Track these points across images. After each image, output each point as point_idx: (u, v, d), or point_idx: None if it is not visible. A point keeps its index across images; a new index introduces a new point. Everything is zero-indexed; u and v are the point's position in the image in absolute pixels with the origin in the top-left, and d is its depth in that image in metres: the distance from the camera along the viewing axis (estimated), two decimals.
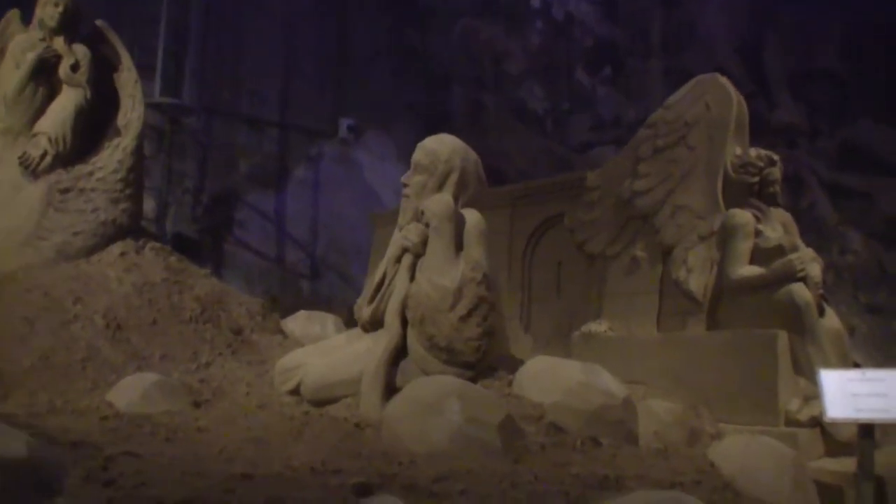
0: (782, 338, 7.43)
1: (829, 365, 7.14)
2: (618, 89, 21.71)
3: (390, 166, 17.29)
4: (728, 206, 8.34)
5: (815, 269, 7.95)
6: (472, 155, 7.04)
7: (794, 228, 8.53)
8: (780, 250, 7.76)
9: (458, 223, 6.52)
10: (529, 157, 20.10)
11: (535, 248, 10.60)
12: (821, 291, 7.93)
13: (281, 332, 9.06)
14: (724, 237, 8.08)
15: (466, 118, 20.20)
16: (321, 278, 18.20)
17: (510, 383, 6.31)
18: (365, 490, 4.38)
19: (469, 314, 6.17)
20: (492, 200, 10.88)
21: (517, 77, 21.92)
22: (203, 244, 16.75)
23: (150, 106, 13.40)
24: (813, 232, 23.06)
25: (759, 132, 20.58)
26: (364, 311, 6.84)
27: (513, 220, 10.84)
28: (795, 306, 7.47)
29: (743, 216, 8.06)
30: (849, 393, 6.05)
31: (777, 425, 7.16)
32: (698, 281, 8.30)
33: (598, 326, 8.84)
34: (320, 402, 6.40)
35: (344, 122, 18.39)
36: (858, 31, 23.19)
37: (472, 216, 6.65)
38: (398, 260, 6.68)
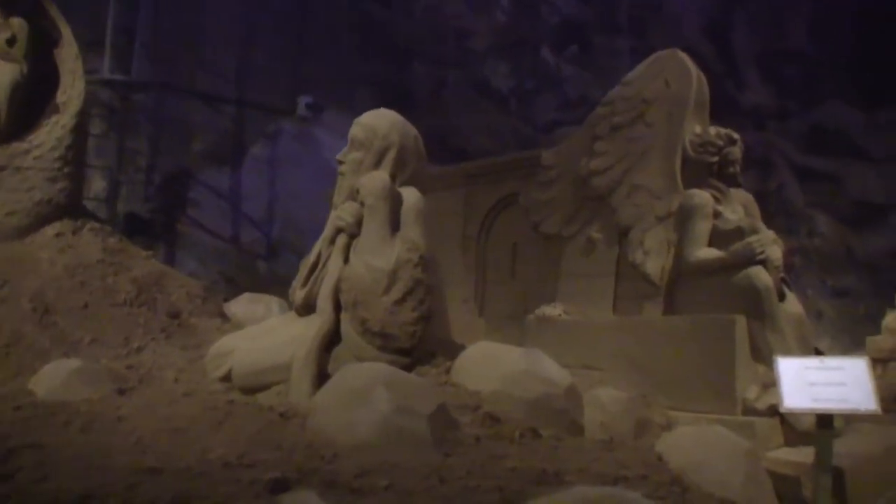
0: (740, 323, 7.13)
1: (789, 351, 6.91)
2: (584, 68, 21.28)
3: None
4: (687, 186, 8.07)
5: (775, 252, 7.65)
6: (412, 131, 6.72)
7: (755, 210, 8.26)
8: (738, 232, 7.46)
9: (396, 202, 6.20)
10: (493, 136, 19.81)
11: (489, 228, 10.35)
12: (781, 275, 7.63)
13: (222, 315, 8.70)
14: (682, 218, 7.80)
15: (429, 95, 19.91)
16: (278, 258, 17.79)
17: (448, 370, 5.99)
18: (281, 486, 4.04)
19: (404, 298, 5.86)
20: (445, 180, 10.71)
21: (481, 54, 21.59)
22: (156, 224, 16.30)
23: (100, 82, 12.98)
24: (781, 214, 22.99)
25: (728, 113, 20.46)
26: (297, 294, 6.51)
27: (467, 199, 10.57)
28: (754, 290, 7.18)
29: (701, 197, 7.78)
30: (806, 382, 5.79)
31: (734, 414, 6.87)
32: (655, 263, 8.03)
33: (552, 310, 8.54)
34: (250, 390, 6.05)
35: (303, 99, 17.95)
36: (829, 10, 22.95)
37: (410, 194, 6.32)
38: (332, 241, 6.34)
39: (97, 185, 14.78)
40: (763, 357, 7.13)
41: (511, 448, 5.05)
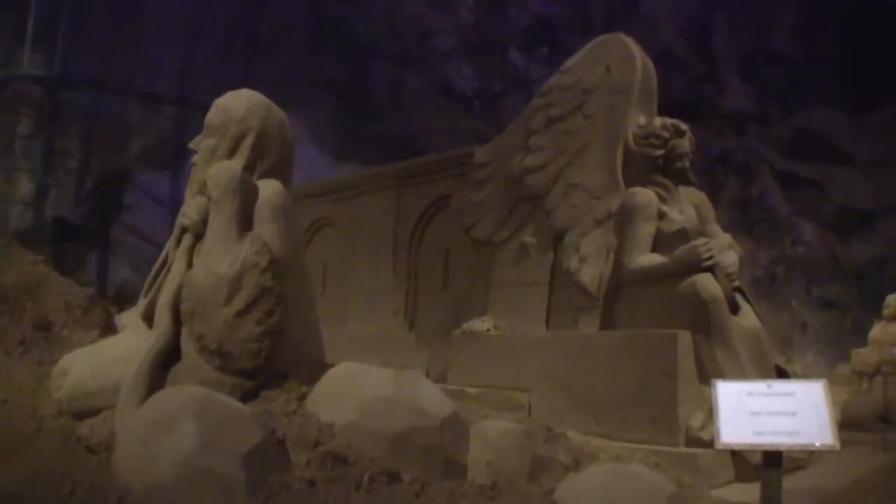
0: (683, 339, 6.21)
1: (742, 371, 6.09)
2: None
3: (303, 148, 16.03)
4: (629, 184, 7.18)
5: (729, 258, 6.77)
6: (277, 115, 5.74)
7: (709, 210, 7.41)
8: (682, 235, 6.54)
9: (250, 196, 5.21)
10: (456, 140, 18.93)
11: (422, 234, 9.59)
12: (736, 284, 6.70)
13: (107, 327, 7.71)
14: (622, 220, 6.89)
15: (388, 97, 19.11)
16: None
17: (303, 397, 4.91)
18: None
19: (247, 309, 4.81)
20: (377, 181, 10.10)
21: (445, 55, 20.75)
22: (87, 230, 15.36)
23: (23, 78, 12.04)
24: (764, 222, 22.36)
25: (708, 117, 19.69)
26: (140, 303, 5.53)
27: (399, 202, 9.82)
28: (699, 301, 6.24)
29: (644, 195, 6.85)
30: (748, 411, 4.82)
31: (676, 444, 5.97)
32: (592, 271, 7.18)
33: (480, 324, 7.78)
34: (82, 415, 5.03)
35: None
36: (812, 10, 22.11)
37: (269, 188, 5.34)
38: (179, 242, 5.35)
39: (23, 187, 13.89)
40: (711, 378, 6.13)
41: (355, 496, 4.01)
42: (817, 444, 4.64)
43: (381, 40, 19.65)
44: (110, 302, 8.67)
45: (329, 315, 10.41)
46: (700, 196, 7.37)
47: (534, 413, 6.98)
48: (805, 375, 16.50)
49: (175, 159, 16.51)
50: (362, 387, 4.75)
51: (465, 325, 7.88)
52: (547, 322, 7.61)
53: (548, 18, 21.15)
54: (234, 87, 5.64)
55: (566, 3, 21.16)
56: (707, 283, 6.27)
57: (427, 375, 8.58)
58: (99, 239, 14.99)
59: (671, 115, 7.34)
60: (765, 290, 21.93)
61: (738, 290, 6.77)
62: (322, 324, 10.45)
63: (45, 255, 8.67)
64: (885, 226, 21.89)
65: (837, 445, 4.62)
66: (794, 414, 4.74)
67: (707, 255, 6.36)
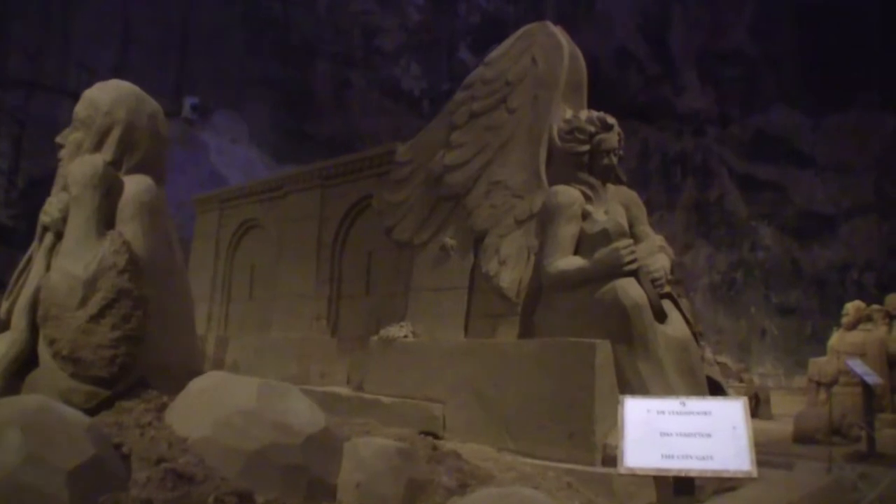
0: (602, 349, 5.75)
1: (667, 385, 5.68)
2: None
3: (242, 149, 15.73)
4: (553, 182, 6.69)
5: (658, 261, 6.33)
6: (148, 107, 5.27)
7: (641, 210, 6.96)
8: (604, 236, 6.04)
9: (113, 193, 4.73)
10: (403, 141, 18.53)
11: (346, 235, 9.16)
12: (665, 289, 6.22)
13: None
14: (544, 221, 6.41)
15: (332, 97, 18.67)
16: None
17: (163, 408, 4.41)
18: None
19: (102, 312, 4.40)
20: (301, 181, 9.81)
21: (391, 54, 20.30)
22: (18, 232, 14.90)
23: None
24: (722, 226, 22.03)
25: (665, 118, 19.31)
26: (3, 305, 5.06)
27: (323, 202, 9.39)
28: (620, 308, 5.78)
29: (567, 194, 6.38)
30: (657, 431, 4.36)
31: (592, 463, 5.54)
32: (511, 275, 6.74)
33: (397, 330, 7.39)
34: None
35: (188, 101, 16.60)
36: (771, 9, 21.77)
37: (135, 184, 4.88)
38: (41, 241, 4.91)
39: None
40: (634, 392, 5.66)
41: None
42: (731, 469, 4.17)
43: (326, 39, 19.19)
44: None
45: (255, 321, 10.00)
46: (630, 195, 6.94)
47: (448, 426, 6.61)
48: (762, 385, 16.14)
49: None
50: (224, 399, 4.23)
51: (382, 332, 7.49)
52: (466, 329, 7.17)
53: (499, 16, 20.77)
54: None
55: (518, 1, 20.77)
56: (629, 289, 5.83)
57: (348, 383, 8.18)
58: (30, 241, 14.42)
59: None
60: (723, 296, 21.68)
61: (669, 296, 6.28)
62: (249, 331, 10.07)
63: None
64: (847, 230, 21.66)
65: (754, 472, 4.15)
66: (708, 436, 4.29)
67: (629, 257, 5.91)
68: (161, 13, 16.96)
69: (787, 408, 13.67)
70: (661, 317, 6.05)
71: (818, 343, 14.82)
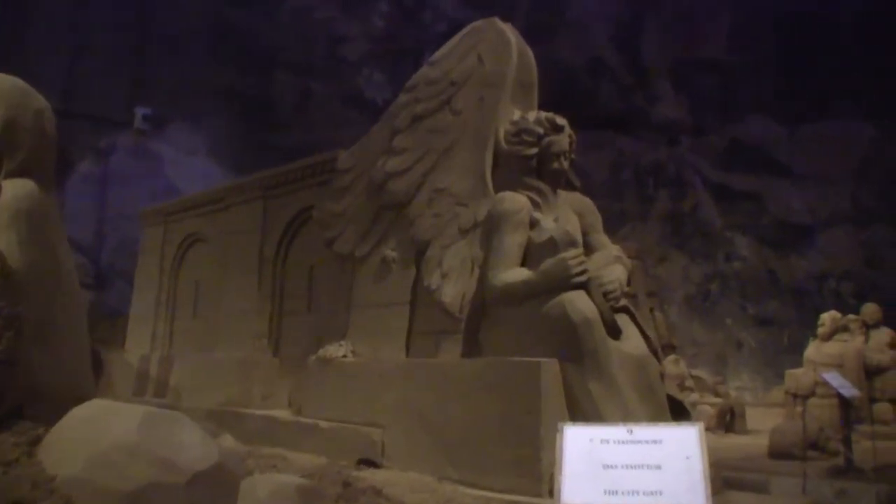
0: (548, 369, 5.27)
1: (623, 407, 5.20)
2: None
3: (198, 160, 15.22)
4: (499, 188, 6.21)
5: (613, 273, 5.85)
6: (35, 103, 4.79)
7: (596, 218, 6.52)
8: (551, 245, 5.55)
9: None
10: None
11: (287, 249, 8.72)
12: (620, 303, 5.72)
13: None
14: (489, 230, 5.94)
15: (293, 108, 18.29)
16: (108, 288, 15.97)
17: (36, 441, 3.87)
18: None
19: None
20: (243, 192, 9.38)
21: (355, 63, 19.94)
22: None
23: None
24: (697, 237, 21.76)
25: (639, 128, 18.90)
26: None
27: (266, 214, 8.95)
28: (568, 323, 5.30)
29: (513, 201, 5.92)
30: (600, 463, 3.89)
31: (539, 494, 5.04)
32: (454, 289, 6.28)
33: (336, 350, 6.99)
34: None
35: (140, 111, 16.24)
36: (747, 18, 21.50)
37: (13, 189, 4.40)
38: None
39: None
40: (585, 415, 5.20)
41: None
42: None
43: (287, 48, 18.83)
44: None
45: (200, 340, 9.56)
46: (584, 202, 6.52)
47: (387, 453, 6.17)
48: (739, 398, 15.76)
49: (57, 174, 15.41)
50: (103, 431, 3.69)
51: (321, 352, 7.06)
52: (408, 347, 6.70)
53: (466, 24, 20.39)
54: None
55: (487, 8, 20.36)
56: (577, 302, 5.35)
57: (289, 406, 7.72)
58: None
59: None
60: (698, 308, 21.41)
61: (625, 309, 5.79)
62: (194, 350, 9.56)
63: None
64: (824, 240, 21.48)
65: None
66: (658, 467, 3.86)
67: (578, 268, 5.44)
68: (115, 24, 16.56)
69: (764, 421, 13.30)
70: (614, 332, 5.56)
71: (796, 354, 14.48)
